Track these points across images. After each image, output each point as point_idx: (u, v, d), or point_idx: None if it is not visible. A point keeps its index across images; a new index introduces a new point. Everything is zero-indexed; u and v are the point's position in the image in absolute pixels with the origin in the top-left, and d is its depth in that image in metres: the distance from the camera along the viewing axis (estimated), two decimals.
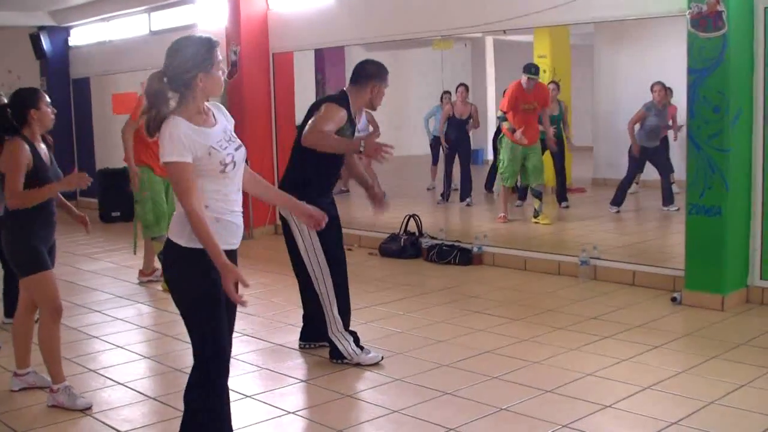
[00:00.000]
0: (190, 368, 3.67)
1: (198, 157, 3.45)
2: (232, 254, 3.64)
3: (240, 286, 3.45)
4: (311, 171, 5.35)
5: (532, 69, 10.40)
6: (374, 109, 5.60)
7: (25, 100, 4.80)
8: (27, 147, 4.69)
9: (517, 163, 10.46)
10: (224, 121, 3.68)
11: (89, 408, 4.77)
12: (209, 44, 3.57)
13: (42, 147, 4.85)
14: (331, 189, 5.61)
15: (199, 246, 3.46)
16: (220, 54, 3.61)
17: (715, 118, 6.37)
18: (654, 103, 10.83)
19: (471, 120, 12.72)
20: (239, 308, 3.67)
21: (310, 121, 5.26)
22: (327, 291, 5.41)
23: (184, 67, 3.50)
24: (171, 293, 3.64)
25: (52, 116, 4.89)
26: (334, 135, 5.21)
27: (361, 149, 5.11)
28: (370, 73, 5.46)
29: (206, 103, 3.62)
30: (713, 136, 6.40)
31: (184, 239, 3.51)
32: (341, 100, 5.39)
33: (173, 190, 3.56)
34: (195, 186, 3.43)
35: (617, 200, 11.05)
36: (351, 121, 5.38)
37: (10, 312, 6.25)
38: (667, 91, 11.06)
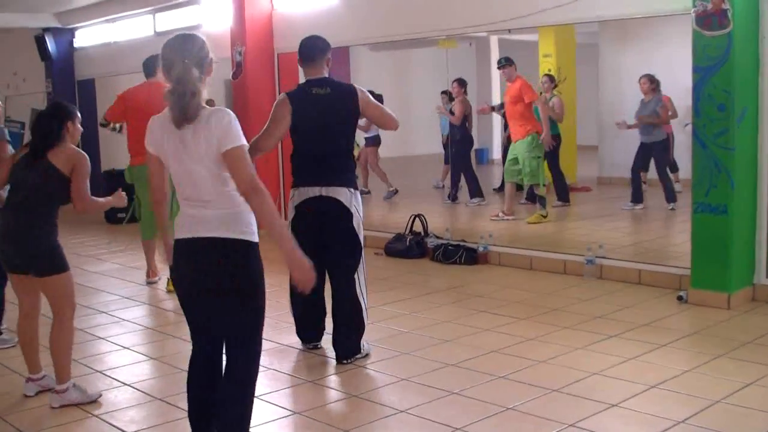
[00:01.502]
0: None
1: None
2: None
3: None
4: (353, 162, 5.58)
5: (500, 61, 10.64)
6: None
7: (67, 110, 4.93)
8: None
9: (508, 158, 10.60)
10: None
11: (100, 396, 4.89)
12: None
13: None
14: None
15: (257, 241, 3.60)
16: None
17: (721, 116, 6.36)
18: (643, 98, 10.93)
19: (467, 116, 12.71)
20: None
21: (380, 108, 5.57)
22: (365, 290, 5.59)
23: (204, 50, 3.59)
24: (247, 290, 3.61)
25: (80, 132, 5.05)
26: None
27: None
28: (326, 46, 5.57)
29: None
30: (719, 134, 6.39)
31: (254, 234, 3.60)
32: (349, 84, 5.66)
33: (247, 171, 3.47)
34: None
35: (636, 197, 11.01)
36: None
37: None
38: (652, 83, 11.05)
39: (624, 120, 11.33)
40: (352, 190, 5.45)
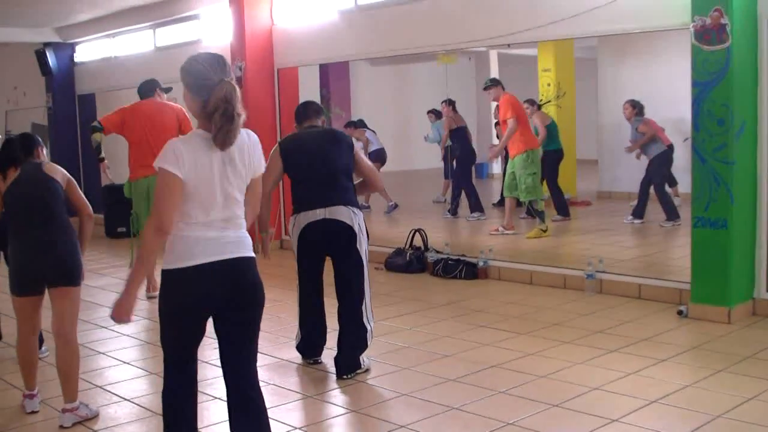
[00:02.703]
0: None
1: None
2: None
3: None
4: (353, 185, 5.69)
5: (485, 82, 10.90)
6: None
7: (35, 140, 5.08)
8: None
9: (510, 173, 10.64)
10: None
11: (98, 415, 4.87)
12: None
13: None
14: None
15: None
16: None
17: (720, 130, 6.38)
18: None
19: (462, 131, 12.89)
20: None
21: (370, 164, 5.86)
22: (371, 314, 5.66)
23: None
24: (260, 304, 3.64)
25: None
26: None
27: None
28: (320, 109, 5.89)
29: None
30: (718, 148, 6.40)
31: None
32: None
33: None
34: None
35: (670, 214, 10.98)
36: None
37: None
38: (634, 107, 11.13)
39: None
40: (354, 210, 5.50)
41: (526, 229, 10.94)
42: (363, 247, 5.55)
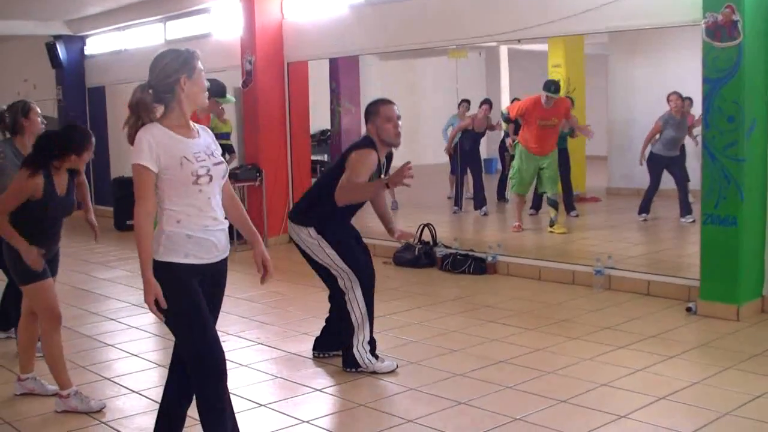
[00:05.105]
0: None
1: (167, 165, 3.54)
2: (209, 268, 3.71)
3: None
4: (336, 210, 5.34)
5: (551, 87, 10.31)
6: (393, 145, 5.56)
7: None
8: (39, 182, 4.73)
9: (529, 172, 10.44)
10: (210, 140, 3.78)
11: (103, 408, 4.88)
12: (189, 52, 3.69)
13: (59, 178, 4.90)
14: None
15: (172, 260, 3.61)
16: (201, 65, 3.71)
17: (730, 127, 6.36)
18: (671, 114, 10.75)
19: (485, 134, 12.83)
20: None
21: (343, 176, 5.23)
22: (357, 300, 5.46)
23: (166, 71, 3.63)
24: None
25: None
26: (364, 183, 5.22)
27: (388, 185, 5.22)
28: (368, 112, 5.49)
29: (196, 125, 3.75)
30: (728, 146, 6.38)
31: (158, 254, 3.61)
32: (367, 140, 5.42)
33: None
34: (151, 194, 3.55)
35: (644, 208, 11.01)
36: (379, 161, 5.44)
37: (3, 326, 6.42)
38: (684, 101, 10.97)
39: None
40: (297, 228, 5.43)
41: (536, 225, 10.93)
42: (320, 254, 5.38)
